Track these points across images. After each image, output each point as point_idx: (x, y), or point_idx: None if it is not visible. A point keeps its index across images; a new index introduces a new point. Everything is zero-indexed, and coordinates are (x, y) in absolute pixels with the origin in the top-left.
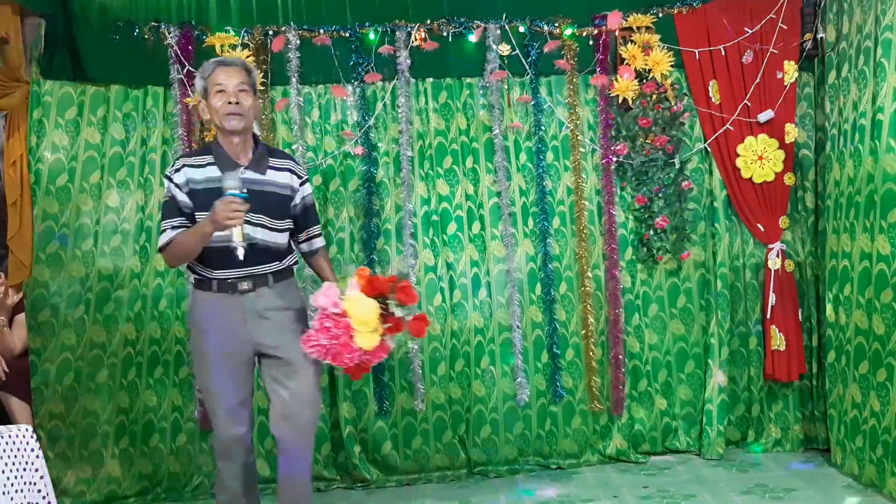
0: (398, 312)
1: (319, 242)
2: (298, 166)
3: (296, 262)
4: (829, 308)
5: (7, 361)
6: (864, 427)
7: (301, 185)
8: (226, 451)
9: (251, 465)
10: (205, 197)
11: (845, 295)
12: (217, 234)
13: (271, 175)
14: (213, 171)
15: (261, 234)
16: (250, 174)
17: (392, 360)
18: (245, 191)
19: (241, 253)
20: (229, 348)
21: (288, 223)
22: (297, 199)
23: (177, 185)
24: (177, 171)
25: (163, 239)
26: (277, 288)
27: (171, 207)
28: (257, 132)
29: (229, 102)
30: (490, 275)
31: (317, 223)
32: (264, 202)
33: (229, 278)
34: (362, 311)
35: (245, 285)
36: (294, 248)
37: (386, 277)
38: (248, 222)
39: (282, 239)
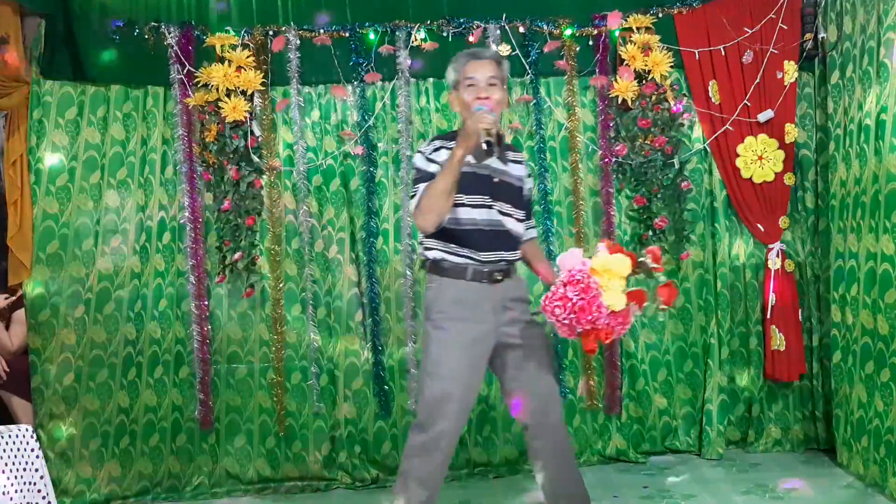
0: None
1: (535, 232)
2: (523, 156)
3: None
4: (834, 308)
5: (7, 360)
6: (868, 427)
7: (528, 177)
8: (434, 445)
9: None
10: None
11: (852, 295)
12: (473, 215)
13: (511, 167)
14: (469, 156)
15: (511, 224)
16: (497, 164)
17: (392, 360)
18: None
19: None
20: (476, 338)
21: (522, 213)
22: (525, 190)
23: (437, 164)
24: (435, 150)
25: (414, 200)
26: (516, 278)
27: (425, 181)
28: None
29: (479, 98)
30: None
31: (532, 215)
32: (509, 191)
33: (488, 263)
34: (615, 265)
35: (499, 275)
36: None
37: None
38: (500, 211)
39: (520, 228)
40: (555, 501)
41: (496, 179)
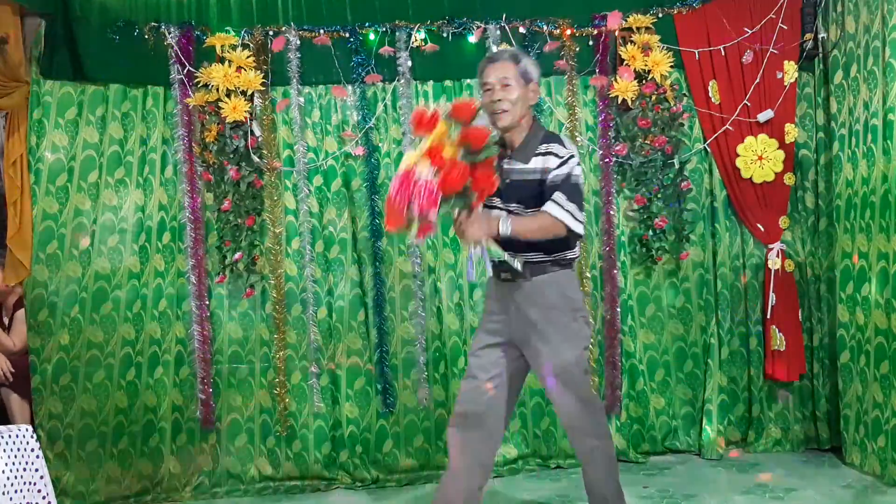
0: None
1: (548, 207)
2: (564, 149)
3: (568, 256)
4: (841, 308)
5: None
6: (886, 427)
7: (557, 167)
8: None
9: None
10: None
11: (862, 295)
12: None
13: (535, 163)
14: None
15: None
16: (515, 164)
17: (396, 358)
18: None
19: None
20: (490, 330)
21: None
22: (551, 176)
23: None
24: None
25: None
26: (535, 281)
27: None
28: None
29: (492, 101)
30: (487, 275)
31: (559, 192)
32: (521, 190)
33: (497, 265)
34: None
35: (505, 274)
36: (571, 243)
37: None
38: (508, 211)
39: None
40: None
41: (507, 180)
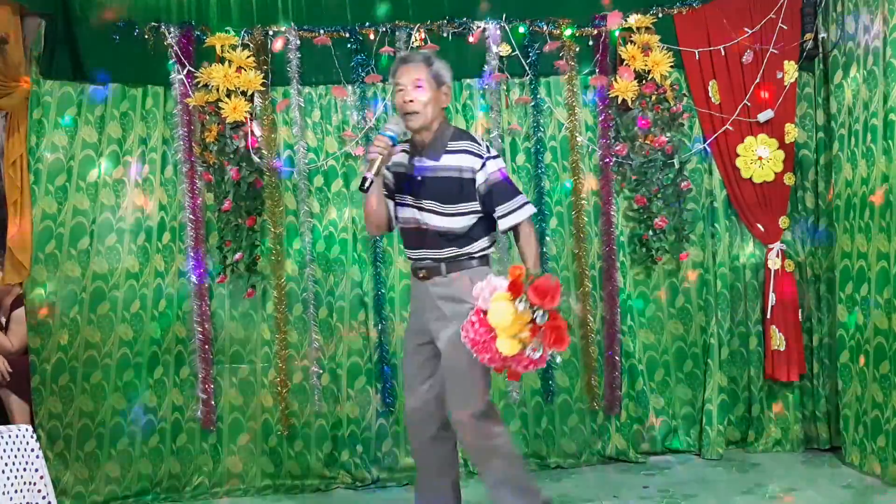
0: (538, 318)
1: (508, 222)
2: (479, 146)
3: (484, 250)
4: (840, 308)
5: (8, 361)
6: (886, 427)
7: (482, 166)
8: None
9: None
10: (395, 177)
11: (862, 295)
12: (402, 214)
13: (446, 160)
14: (402, 157)
15: (435, 221)
16: (426, 161)
17: (395, 358)
18: (397, 135)
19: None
20: (413, 330)
21: (462, 208)
22: (480, 181)
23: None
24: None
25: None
26: (450, 276)
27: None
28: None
29: (404, 101)
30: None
31: (504, 202)
32: (436, 187)
33: (413, 261)
34: (496, 315)
35: (422, 272)
36: (486, 234)
37: (531, 276)
38: (419, 208)
39: (455, 224)
40: None
41: (419, 178)
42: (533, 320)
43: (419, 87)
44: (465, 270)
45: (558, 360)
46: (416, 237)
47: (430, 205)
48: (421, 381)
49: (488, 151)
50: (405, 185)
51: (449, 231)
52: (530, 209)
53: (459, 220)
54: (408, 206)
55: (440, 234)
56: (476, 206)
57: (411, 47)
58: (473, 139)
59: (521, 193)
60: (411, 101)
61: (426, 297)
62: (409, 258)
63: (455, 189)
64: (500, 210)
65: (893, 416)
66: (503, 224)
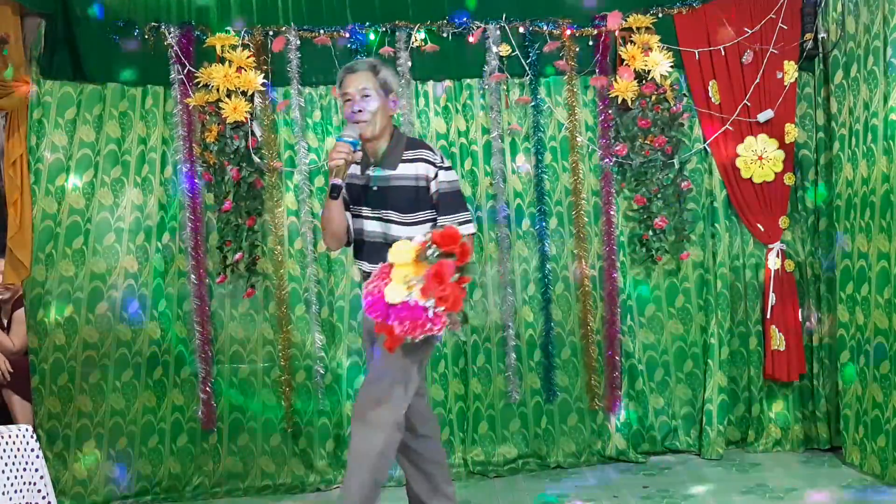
0: (430, 254)
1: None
2: (434, 155)
3: None
4: (841, 308)
5: (10, 360)
6: (887, 427)
7: (435, 175)
8: None
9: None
10: (348, 189)
11: (862, 295)
12: (367, 227)
13: (402, 169)
14: (354, 168)
15: (396, 231)
16: (382, 171)
17: None
18: (357, 140)
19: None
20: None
21: (421, 216)
22: (433, 189)
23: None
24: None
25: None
26: None
27: None
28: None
29: (353, 111)
30: (486, 275)
31: (448, 213)
32: (393, 196)
33: (370, 273)
34: (397, 251)
35: None
36: None
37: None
38: (377, 218)
39: (417, 232)
40: None
41: (374, 188)
42: (430, 264)
43: (367, 95)
44: None
45: (448, 331)
46: (378, 249)
47: (391, 215)
48: None
49: (442, 161)
50: (362, 196)
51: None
52: (470, 228)
53: (418, 228)
54: (368, 218)
55: (396, 242)
56: (432, 213)
57: (411, 47)
58: (429, 147)
59: (467, 210)
60: (360, 110)
61: None
62: (369, 272)
63: (413, 197)
64: (441, 220)
65: (894, 416)
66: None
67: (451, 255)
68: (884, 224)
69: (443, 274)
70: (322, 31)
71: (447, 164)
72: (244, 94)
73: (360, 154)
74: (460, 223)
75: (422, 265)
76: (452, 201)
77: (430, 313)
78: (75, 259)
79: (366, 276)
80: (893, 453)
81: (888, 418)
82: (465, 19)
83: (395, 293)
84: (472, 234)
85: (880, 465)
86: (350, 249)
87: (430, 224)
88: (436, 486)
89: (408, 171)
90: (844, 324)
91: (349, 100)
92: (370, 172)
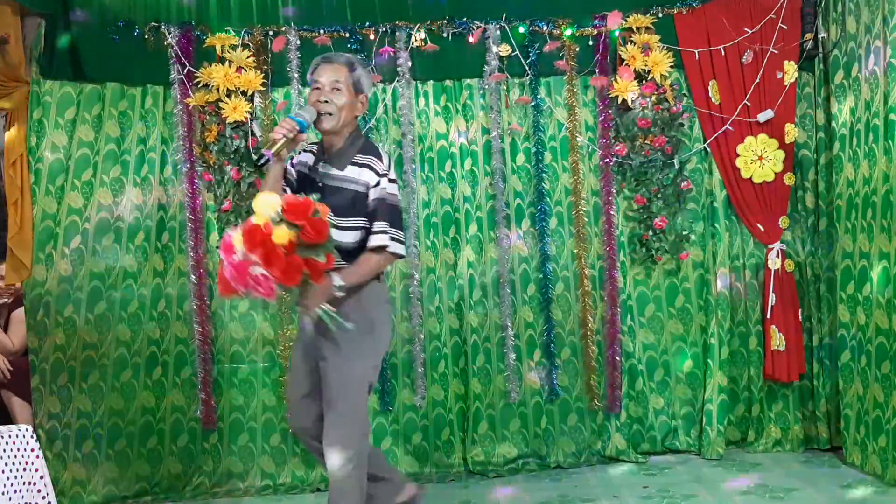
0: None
1: (376, 240)
2: (382, 165)
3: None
4: (841, 308)
5: (9, 360)
6: (887, 427)
7: (377, 183)
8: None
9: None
10: (300, 176)
11: (864, 295)
12: None
13: (350, 171)
14: (308, 158)
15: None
16: (330, 168)
17: (395, 357)
18: (306, 122)
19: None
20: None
21: (356, 222)
22: (371, 196)
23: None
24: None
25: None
26: (339, 297)
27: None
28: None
29: (319, 101)
30: (486, 275)
31: (384, 220)
32: (334, 197)
33: None
34: (259, 204)
35: None
36: None
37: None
38: None
39: (345, 238)
40: None
41: (320, 184)
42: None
43: (337, 89)
44: (358, 292)
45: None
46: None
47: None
48: (303, 393)
49: (388, 172)
50: (307, 188)
51: (340, 244)
52: (399, 247)
53: (350, 234)
54: None
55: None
56: (366, 221)
57: (411, 47)
58: (380, 156)
59: (401, 229)
60: (326, 101)
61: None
62: None
63: (350, 201)
64: (376, 226)
65: (894, 416)
66: (372, 240)
67: (296, 227)
68: (885, 224)
69: (273, 240)
70: (322, 31)
71: (393, 176)
72: (244, 94)
73: (304, 136)
74: (391, 238)
75: (269, 225)
76: (388, 211)
77: (256, 272)
78: (75, 259)
79: None
80: (894, 453)
81: (889, 418)
82: (465, 19)
83: (236, 241)
84: (396, 255)
85: (881, 465)
86: None
87: (361, 231)
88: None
89: (352, 174)
90: (845, 324)
91: (318, 88)
92: (319, 167)
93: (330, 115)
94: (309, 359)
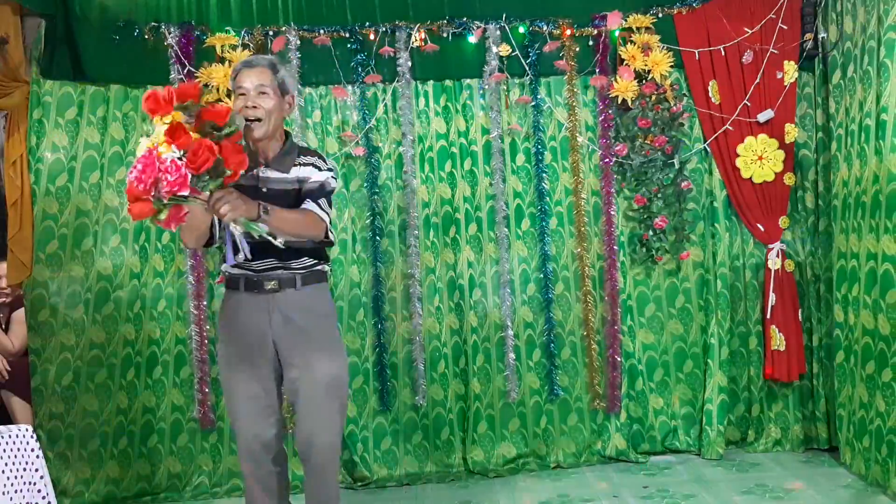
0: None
1: (305, 206)
2: (324, 163)
3: (328, 269)
4: (837, 308)
5: (8, 361)
6: (870, 427)
7: (322, 174)
8: (247, 453)
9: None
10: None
11: (853, 295)
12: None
13: (296, 172)
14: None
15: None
16: (272, 173)
17: (395, 357)
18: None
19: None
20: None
21: None
22: (313, 178)
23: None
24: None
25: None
26: (305, 290)
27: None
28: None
29: (246, 107)
30: (486, 275)
31: (315, 200)
32: (282, 199)
33: (257, 273)
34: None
35: (271, 284)
36: (328, 256)
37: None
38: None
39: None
40: None
41: (264, 189)
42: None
43: (263, 93)
44: (317, 284)
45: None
46: (267, 248)
47: None
48: (251, 395)
49: (333, 169)
50: (252, 196)
51: (290, 244)
52: (325, 217)
53: None
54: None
55: (291, 246)
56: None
57: (411, 47)
58: (323, 158)
59: (329, 212)
60: (254, 107)
61: (269, 312)
62: (254, 270)
63: (295, 200)
64: (308, 203)
65: (877, 416)
66: (305, 204)
67: (186, 109)
68: (874, 224)
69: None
70: (322, 31)
71: (333, 172)
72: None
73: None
74: (319, 214)
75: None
76: (319, 192)
77: (165, 156)
78: (84, 261)
79: (252, 277)
80: (876, 454)
81: (871, 419)
82: (465, 19)
83: (143, 144)
84: (326, 242)
85: (864, 466)
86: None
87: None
88: None
89: (300, 173)
90: (840, 324)
91: (243, 94)
92: (260, 173)
93: (260, 120)
94: (256, 360)
